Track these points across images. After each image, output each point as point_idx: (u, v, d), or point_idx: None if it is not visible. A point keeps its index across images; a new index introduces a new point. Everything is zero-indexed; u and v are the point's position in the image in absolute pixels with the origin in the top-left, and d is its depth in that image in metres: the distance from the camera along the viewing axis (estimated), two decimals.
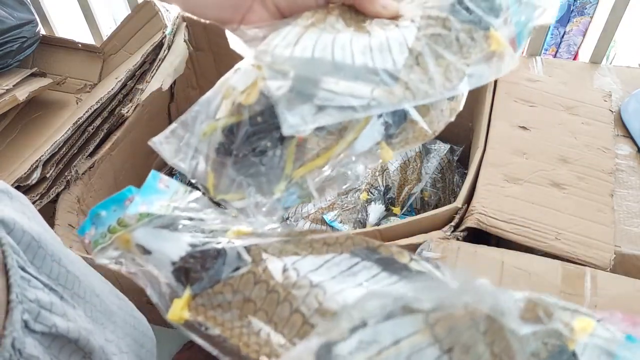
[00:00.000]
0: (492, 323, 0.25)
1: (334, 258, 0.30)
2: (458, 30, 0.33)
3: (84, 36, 1.22)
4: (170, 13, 1.11)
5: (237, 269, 0.31)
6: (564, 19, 1.47)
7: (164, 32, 1.06)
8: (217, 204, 0.35)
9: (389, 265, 0.30)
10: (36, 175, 0.82)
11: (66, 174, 0.88)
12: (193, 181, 0.34)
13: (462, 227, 0.69)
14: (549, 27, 1.46)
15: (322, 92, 0.30)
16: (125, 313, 0.52)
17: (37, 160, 0.82)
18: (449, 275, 0.30)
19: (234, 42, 0.38)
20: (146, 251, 0.33)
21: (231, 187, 0.32)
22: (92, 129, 0.92)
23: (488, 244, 0.68)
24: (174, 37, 1.10)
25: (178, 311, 0.31)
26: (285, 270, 0.30)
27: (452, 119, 0.38)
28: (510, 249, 0.65)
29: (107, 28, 1.29)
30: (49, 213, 0.85)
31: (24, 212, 0.42)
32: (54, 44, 1.10)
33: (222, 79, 0.34)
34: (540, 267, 0.62)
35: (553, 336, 0.26)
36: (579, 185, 0.74)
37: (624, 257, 0.65)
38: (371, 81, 0.31)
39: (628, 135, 0.85)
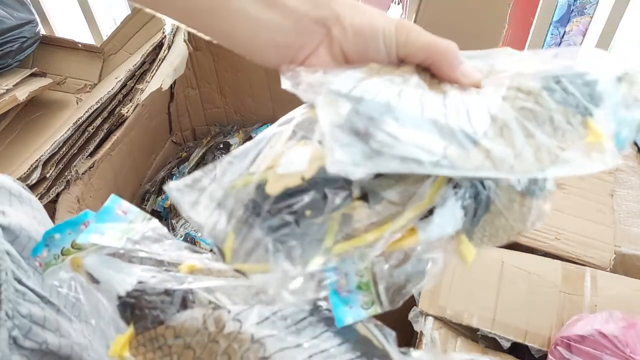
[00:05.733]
0: None
1: (282, 310, 0.29)
2: (552, 110, 0.27)
3: (84, 36, 1.22)
4: None
5: (183, 310, 0.30)
6: (564, 19, 1.47)
7: (163, 32, 1.06)
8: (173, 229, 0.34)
9: (334, 325, 0.29)
10: (36, 175, 0.82)
11: (66, 174, 0.88)
12: (209, 241, 0.28)
13: None
14: (549, 27, 1.46)
15: (381, 134, 0.24)
16: None
17: (37, 160, 0.82)
18: (393, 343, 0.29)
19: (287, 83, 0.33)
20: (95, 280, 0.32)
21: (254, 252, 0.26)
22: (92, 129, 0.92)
23: None
24: (173, 37, 1.10)
25: (119, 349, 0.30)
26: (230, 320, 0.29)
27: (539, 224, 0.30)
28: (510, 249, 0.65)
29: (107, 28, 1.29)
30: (49, 213, 0.85)
31: (34, 217, 0.42)
32: (54, 44, 1.10)
33: (269, 133, 0.30)
34: (540, 267, 0.62)
35: None
36: (579, 185, 0.74)
37: (624, 257, 0.65)
38: (444, 137, 0.25)
39: None
